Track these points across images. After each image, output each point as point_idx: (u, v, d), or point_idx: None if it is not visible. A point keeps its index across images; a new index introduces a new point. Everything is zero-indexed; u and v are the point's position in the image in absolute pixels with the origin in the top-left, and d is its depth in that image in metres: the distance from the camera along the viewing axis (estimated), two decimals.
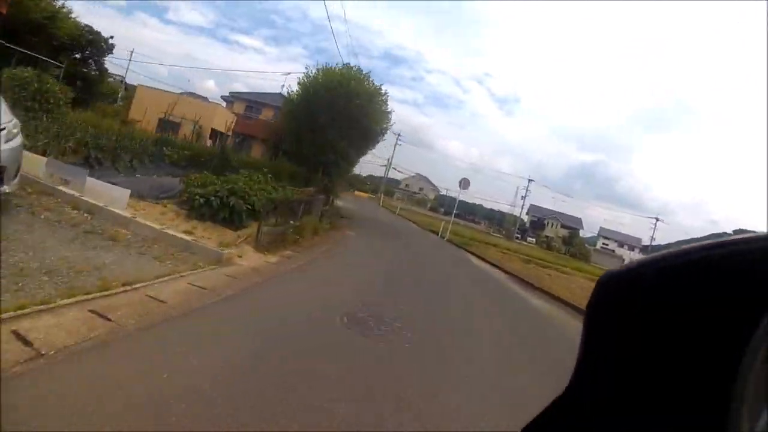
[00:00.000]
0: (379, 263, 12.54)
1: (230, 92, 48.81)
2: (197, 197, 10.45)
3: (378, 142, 23.95)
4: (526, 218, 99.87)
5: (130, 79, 45.16)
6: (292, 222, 11.44)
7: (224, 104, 45.46)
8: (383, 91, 21.06)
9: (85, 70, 25.31)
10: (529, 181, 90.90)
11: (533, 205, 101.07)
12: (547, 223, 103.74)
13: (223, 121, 34.70)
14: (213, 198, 10.33)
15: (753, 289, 0.45)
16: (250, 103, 45.64)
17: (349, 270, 10.71)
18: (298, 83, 20.88)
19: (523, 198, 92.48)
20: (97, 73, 26.55)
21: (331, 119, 19.33)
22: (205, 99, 45.75)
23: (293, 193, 14.58)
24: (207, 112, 33.09)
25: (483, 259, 20.84)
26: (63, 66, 22.93)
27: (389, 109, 22.16)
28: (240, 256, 8.89)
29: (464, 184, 27.14)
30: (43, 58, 21.31)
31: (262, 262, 8.92)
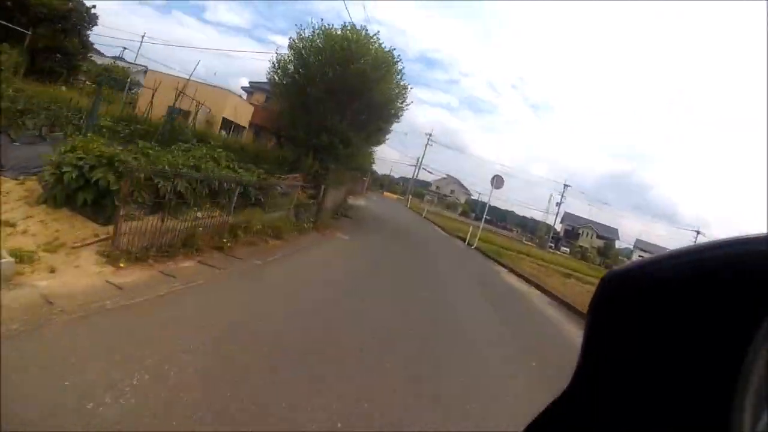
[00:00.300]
0: (352, 283, 8.05)
1: (250, 82, 44.67)
2: (47, 169, 6.26)
3: (390, 125, 19.24)
4: (559, 227, 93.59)
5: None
6: (200, 215, 7.01)
7: (245, 95, 41.40)
8: (395, 57, 16.24)
9: (67, 43, 21.68)
10: (565, 186, 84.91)
11: (568, 213, 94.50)
12: (582, 232, 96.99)
13: (237, 110, 30.62)
14: (68, 170, 6.07)
15: (755, 289, 0.43)
16: (269, 93, 42.00)
17: (283, 297, 6.24)
18: (289, 47, 16.23)
19: (558, 204, 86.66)
20: (81, 47, 22.86)
21: (325, 91, 14.87)
22: (221, 87, 41.98)
23: (257, 177, 10.30)
24: (218, 99, 28.95)
25: (516, 274, 15.98)
26: (28, 33, 19.39)
27: (403, 81, 17.35)
28: (52, 271, 4.60)
29: (497, 182, 22.14)
30: (6, 23, 17.93)
31: (90, 284, 4.57)
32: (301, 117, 15.70)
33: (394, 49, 16.42)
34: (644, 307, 0.52)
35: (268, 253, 8.11)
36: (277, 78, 16.76)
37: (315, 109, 15.16)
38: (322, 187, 13.76)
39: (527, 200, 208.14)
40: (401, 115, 18.61)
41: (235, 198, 7.82)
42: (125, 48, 44.00)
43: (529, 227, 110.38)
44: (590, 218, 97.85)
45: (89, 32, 22.52)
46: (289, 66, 16.13)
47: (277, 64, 16.60)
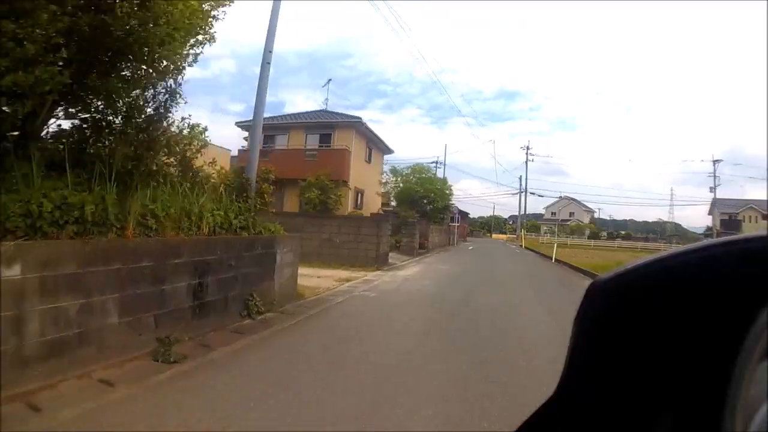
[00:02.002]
0: None
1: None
2: None
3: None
4: (710, 219, 68.30)
5: None
6: None
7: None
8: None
9: None
10: (715, 162, 60.62)
11: (718, 199, 67.52)
12: (744, 217, 68.50)
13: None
14: None
15: (744, 290, 0.42)
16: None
17: None
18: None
19: (713, 189, 61.92)
20: None
21: None
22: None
23: None
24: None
25: None
26: None
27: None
28: None
29: None
30: None
31: None
32: None
33: None
34: (631, 312, 0.49)
35: None
36: None
37: None
38: None
39: (645, 201, 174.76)
40: None
41: None
42: None
43: (658, 232, 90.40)
44: (745, 198, 72.02)
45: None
46: None
47: None
